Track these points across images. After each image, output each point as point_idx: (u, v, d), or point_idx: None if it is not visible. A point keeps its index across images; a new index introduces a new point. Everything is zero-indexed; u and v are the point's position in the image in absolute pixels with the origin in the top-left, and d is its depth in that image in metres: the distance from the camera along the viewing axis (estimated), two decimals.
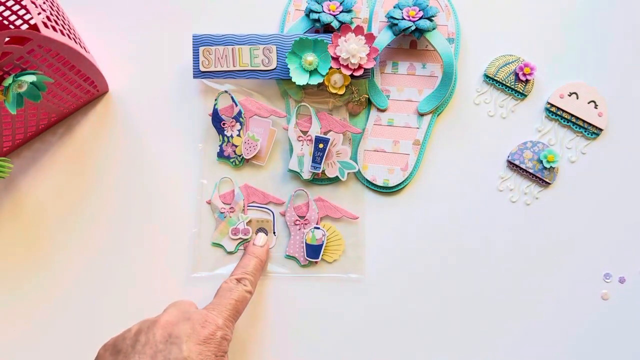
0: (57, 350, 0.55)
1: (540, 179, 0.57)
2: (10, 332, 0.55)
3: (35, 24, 0.53)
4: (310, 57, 0.54)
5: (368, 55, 0.54)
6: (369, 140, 0.57)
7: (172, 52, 0.59)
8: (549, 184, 0.57)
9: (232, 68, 0.56)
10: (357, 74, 0.54)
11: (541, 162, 0.57)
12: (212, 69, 0.56)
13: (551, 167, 0.56)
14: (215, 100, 0.57)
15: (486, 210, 0.57)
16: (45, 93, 0.49)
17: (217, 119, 0.57)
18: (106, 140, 0.58)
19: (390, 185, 0.57)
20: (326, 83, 0.55)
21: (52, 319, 0.55)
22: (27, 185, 0.57)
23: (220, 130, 0.57)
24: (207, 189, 0.57)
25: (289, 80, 0.55)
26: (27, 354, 0.55)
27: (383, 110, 0.58)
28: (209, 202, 0.56)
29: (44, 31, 0.44)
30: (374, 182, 0.57)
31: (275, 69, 0.56)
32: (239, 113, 0.57)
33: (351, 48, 0.53)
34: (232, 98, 0.57)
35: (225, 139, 0.57)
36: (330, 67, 0.54)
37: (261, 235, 0.53)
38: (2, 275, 0.56)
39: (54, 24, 0.47)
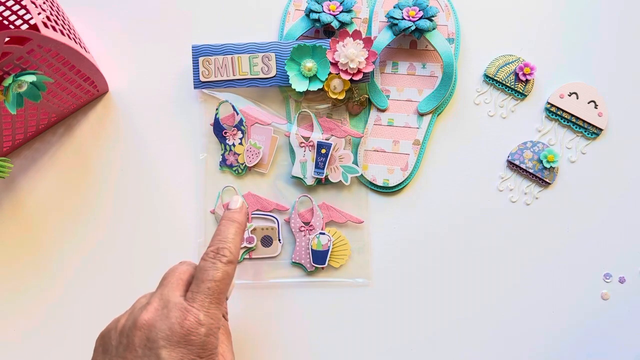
0: (56, 351, 0.55)
1: (540, 179, 0.57)
2: (10, 331, 0.55)
3: (35, 24, 0.53)
4: (309, 64, 0.54)
5: (367, 59, 0.54)
6: (369, 140, 0.57)
7: (173, 51, 0.59)
8: (549, 184, 0.57)
9: (232, 77, 0.56)
10: (356, 78, 0.54)
11: (541, 162, 0.57)
12: (212, 78, 0.56)
13: (551, 167, 0.56)
14: (217, 109, 0.57)
15: (486, 210, 0.57)
16: (45, 93, 0.49)
17: (218, 128, 0.57)
18: (106, 140, 0.58)
19: (390, 185, 0.57)
20: (326, 88, 0.55)
21: (51, 320, 0.55)
22: (27, 185, 0.57)
23: (222, 139, 0.57)
24: (211, 198, 0.57)
25: (289, 86, 0.55)
26: (26, 354, 0.55)
27: (383, 110, 0.58)
28: (213, 212, 0.56)
29: (44, 31, 0.44)
30: (374, 182, 0.57)
31: (274, 76, 0.56)
32: (240, 121, 0.57)
33: (349, 53, 0.53)
34: (232, 107, 0.57)
35: (227, 147, 0.57)
36: (330, 73, 0.54)
37: (235, 197, 0.46)
38: (3, 275, 0.56)
39: (54, 24, 0.47)
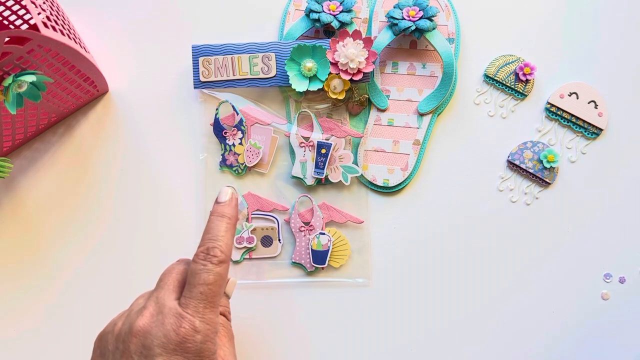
0: (56, 351, 0.55)
1: (540, 179, 0.57)
2: (10, 331, 0.55)
3: (35, 24, 0.53)
4: (309, 64, 0.54)
5: (367, 59, 0.54)
6: (369, 140, 0.57)
7: (173, 51, 0.59)
8: (549, 184, 0.57)
9: (232, 77, 0.56)
10: (356, 78, 0.54)
11: (541, 162, 0.57)
12: (212, 78, 0.56)
13: (551, 167, 0.56)
14: (217, 109, 0.57)
15: (486, 210, 0.57)
16: (45, 93, 0.49)
17: (218, 128, 0.57)
18: (106, 140, 0.58)
19: (390, 185, 0.57)
20: (326, 88, 0.55)
21: (52, 320, 0.55)
22: (27, 185, 0.57)
23: (222, 139, 0.57)
24: (211, 198, 0.57)
25: (289, 86, 0.55)
26: (27, 353, 0.55)
27: (383, 110, 0.58)
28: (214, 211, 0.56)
29: (44, 31, 0.44)
30: (374, 182, 0.57)
31: (274, 76, 0.56)
32: (240, 121, 0.57)
33: (349, 53, 0.53)
34: (232, 107, 0.57)
35: (227, 147, 0.57)
36: (330, 73, 0.54)
37: (225, 189, 0.44)
38: (2, 275, 0.56)
39: (53, 24, 0.47)
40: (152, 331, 0.37)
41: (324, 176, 0.56)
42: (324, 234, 0.55)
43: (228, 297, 0.45)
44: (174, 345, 0.37)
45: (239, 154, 0.57)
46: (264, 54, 0.56)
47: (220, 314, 0.43)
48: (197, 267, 0.39)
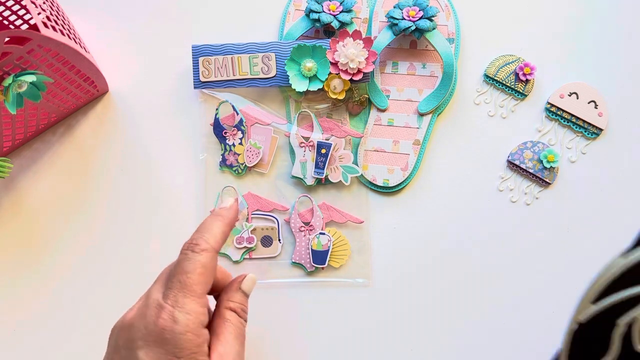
0: (55, 350, 0.55)
1: (540, 179, 0.57)
2: (9, 330, 0.55)
3: (35, 24, 0.53)
4: (309, 64, 0.54)
5: (367, 59, 0.54)
6: (369, 140, 0.57)
7: (173, 51, 0.59)
8: (549, 184, 0.57)
9: (232, 77, 0.56)
10: (356, 78, 0.54)
11: (541, 162, 0.57)
12: (212, 78, 0.56)
13: (551, 167, 0.56)
14: (217, 109, 0.57)
15: (486, 210, 0.57)
16: (45, 93, 0.49)
17: (218, 128, 0.57)
18: (106, 140, 0.58)
19: (390, 185, 0.57)
20: (326, 88, 0.55)
21: (51, 320, 0.55)
22: (27, 185, 0.57)
23: (222, 139, 0.57)
24: (211, 198, 0.57)
25: (289, 86, 0.55)
26: (24, 353, 0.55)
27: (383, 110, 0.58)
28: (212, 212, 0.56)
29: (44, 31, 0.44)
30: (374, 182, 0.57)
31: (274, 76, 0.56)
32: (240, 121, 0.57)
33: (349, 53, 0.53)
34: (232, 107, 0.57)
35: (227, 147, 0.57)
36: (330, 73, 0.54)
37: (227, 199, 0.45)
38: (2, 275, 0.56)
39: (53, 24, 0.47)
40: (136, 324, 0.37)
41: (324, 176, 0.56)
42: (324, 234, 0.55)
43: (245, 294, 0.43)
44: (154, 336, 0.36)
45: (239, 154, 0.57)
46: (264, 54, 0.56)
47: (231, 309, 0.41)
48: (180, 257, 0.39)
